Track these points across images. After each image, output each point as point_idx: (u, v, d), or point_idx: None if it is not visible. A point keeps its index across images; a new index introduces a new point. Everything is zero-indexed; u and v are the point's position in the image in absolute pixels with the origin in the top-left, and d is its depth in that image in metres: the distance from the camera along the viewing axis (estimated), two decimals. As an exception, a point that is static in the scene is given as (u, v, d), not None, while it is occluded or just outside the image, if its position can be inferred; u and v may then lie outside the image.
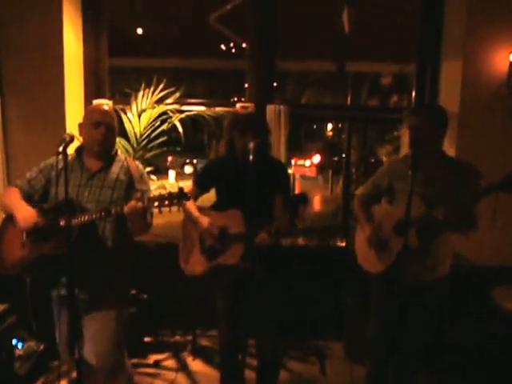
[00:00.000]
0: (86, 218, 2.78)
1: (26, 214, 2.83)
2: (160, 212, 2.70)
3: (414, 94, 4.95)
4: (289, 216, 3.36)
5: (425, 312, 3.29)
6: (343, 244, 4.93)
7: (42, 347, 4.03)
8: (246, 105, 3.56)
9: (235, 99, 5.20)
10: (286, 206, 3.38)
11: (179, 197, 2.64)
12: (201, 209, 3.52)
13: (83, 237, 2.82)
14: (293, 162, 23.11)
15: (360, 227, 3.54)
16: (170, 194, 2.63)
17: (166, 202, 2.63)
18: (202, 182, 3.57)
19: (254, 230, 3.17)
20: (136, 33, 7.23)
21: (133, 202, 2.69)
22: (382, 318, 3.40)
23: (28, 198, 3.01)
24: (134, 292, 4.28)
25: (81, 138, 3.08)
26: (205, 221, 3.37)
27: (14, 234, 2.91)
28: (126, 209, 2.71)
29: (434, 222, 2.99)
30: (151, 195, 2.74)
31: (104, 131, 2.96)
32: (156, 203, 2.64)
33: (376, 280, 3.43)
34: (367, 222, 3.42)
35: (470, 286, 4.18)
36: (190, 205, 3.48)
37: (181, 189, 2.68)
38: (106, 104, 3.21)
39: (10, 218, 2.94)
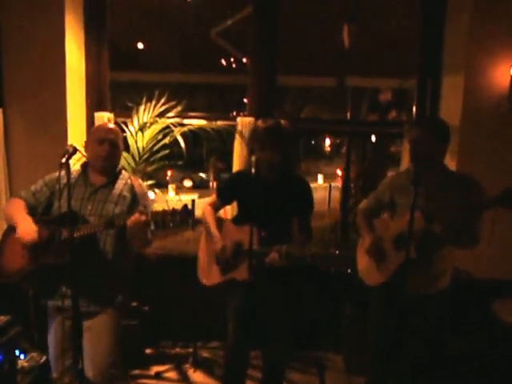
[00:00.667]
0: (89, 230, 2.82)
1: (27, 228, 2.86)
2: (164, 228, 2.72)
3: (414, 108, 4.96)
4: (303, 240, 3.39)
5: (424, 322, 3.30)
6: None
7: (44, 358, 4.04)
8: (249, 120, 3.55)
9: (234, 113, 5.23)
10: (302, 229, 3.42)
11: (182, 214, 2.68)
12: (221, 220, 3.57)
13: (84, 249, 2.83)
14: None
15: (361, 239, 3.56)
16: (174, 210, 2.68)
17: (169, 217, 2.67)
18: (224, 194, 3.62)
19: (266, 249, 3.16)
20: (136, 47, 7.26)
21: (136, 215, 2.72)
22: (382, 328, 3.42)
23: (32, 210, 3.02)
24: (135, 304, 4.30)
25: (85, 153, 3.15)
26: (218, 243, 3.39)
27: (16, 243, 2.93)
28: (128, 222, 2.74)
29: (433, 236, 3.00)
30: (154, 210, 2.77)
31: (108, 148, 3.01)
32: (158, 218, 2.68)
33: (376, 291, 3.44)
34: (368, 233, 3.44)
35: (470, 299, 4.20)
36: (210, 218, 3.52)
37: (185, 206, 2.72)
38: (111, 123, 3.26)
39: (13, 228, 2.96)
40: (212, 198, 3.62)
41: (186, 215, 2.70)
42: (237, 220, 3.54)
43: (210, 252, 3.52)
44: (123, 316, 3.23)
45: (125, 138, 4.46)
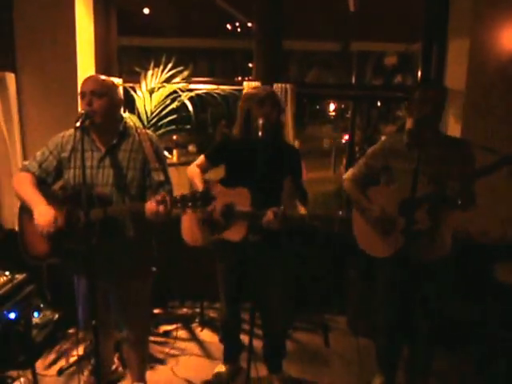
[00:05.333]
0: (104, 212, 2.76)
1: (44, 217, 2.77)
2: (184, 213, 2.65)
3: (419, 72, 4.92)
4: (296, 202, 3.40)
5: (432, 288, 3.32)
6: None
7: (57, 316, 4.15)
8: (255, 84, 3.54)
9: (240, 78, 5.24)
10: (296, 191, 3.40)
11: (203, 199, 2.58)
12: (207, 182, 3.46)
13: (105, 229, 2.79)
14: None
15: (359, 212, 3.46)
16: (194, 195, 2.57)
17: (190, 204, 2.58)
18: (214, 156, 3.54)
19: (260, 210, 3.12)
20: (142, 13, 7.23)
21: (154, 206, 2.63)
22: (392, 298, 3.40)
23: (42, 182, 2.97)
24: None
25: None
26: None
27: (34, 225, 2.85)
28: (147, 213, 2.68)
29: (446, 198, 2.99)
30: (172, 191, 2.73)
31: (89, 99, 2.79)
32: (179, 205, 2.59)
33: (383, 263, 3.40)
34: (371, 204, 3.34)
35: (473, 263, 4.26)
36: (197, 178, 3.43)
37: (205, 190, 2.65)
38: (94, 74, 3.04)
39: (26, 208, 2.90)
40: (200, 159, 3.55)
41: (207, 200, 2.60)
42: (225, 183, 3.47)
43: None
44: (150, 278, 3.28)
45: (133, 102, 4.50)
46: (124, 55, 5.84)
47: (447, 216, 3.23)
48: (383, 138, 3.63)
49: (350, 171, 3.57)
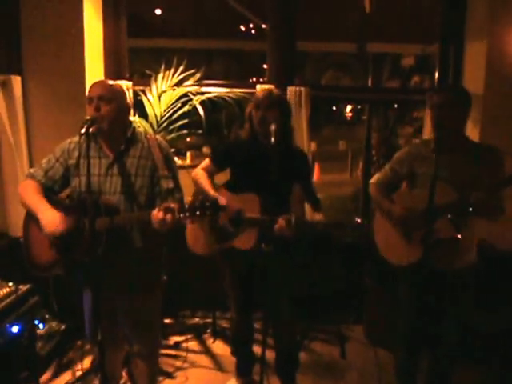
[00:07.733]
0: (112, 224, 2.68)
1: (50, 220, 2.72)
2: (192, 222, 2.56)
3: (437, 74, 4.86)
4: (304, 208, 3.32)
5: (456, 299, 3.21)
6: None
7: (63, 327, 4.08)
8: (267, 87, 3.52)
9: (254, 80, 5.15)
10: (307, 197, 3.36)
11: (212, 208, 2.52)
12: (216, 187, 3.40)
13: (112, 239, 2.70)
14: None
15: (382, 214, 3.38)
16: (203, 204, 2.51)
17: (198, 213, 2.51)
18: (220, 160, 3.50)
19: (272, 218, 3.04)
20: (154, 13, 7.18)
21: (160, 214, 2.56)
22: (415, 309, 3.32)
23: (48, 190, 2.91)
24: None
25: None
26: (223, 199, 3.12)
27: (40, 234, 2.79)
28: (153, 221, 2.60)
29: (470, 207, 2.90)
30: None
31: (96, 104, 2.74)
32: (187, 214, 2.52)
33: (405, 273, 3.33)
34: (393, 205, 3.27)
35: (496, 273, 4.16)
36: (204, 180, 3.38)
37: (214, 200, 2.57)
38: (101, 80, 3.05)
39: (32, 216, 2.83)
40: (205, 162, 3.49)
41: (217, 210, 2.54)
42: (230, 187, 3.42)
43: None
44: (158, 290, 3.16)
45: (143, 106, 4.41)
46: (135, 57, 5.77)
47: (472, 224, 3.13)
48: (400, 141, 3.58)
49: (376, 176, 3.53)
